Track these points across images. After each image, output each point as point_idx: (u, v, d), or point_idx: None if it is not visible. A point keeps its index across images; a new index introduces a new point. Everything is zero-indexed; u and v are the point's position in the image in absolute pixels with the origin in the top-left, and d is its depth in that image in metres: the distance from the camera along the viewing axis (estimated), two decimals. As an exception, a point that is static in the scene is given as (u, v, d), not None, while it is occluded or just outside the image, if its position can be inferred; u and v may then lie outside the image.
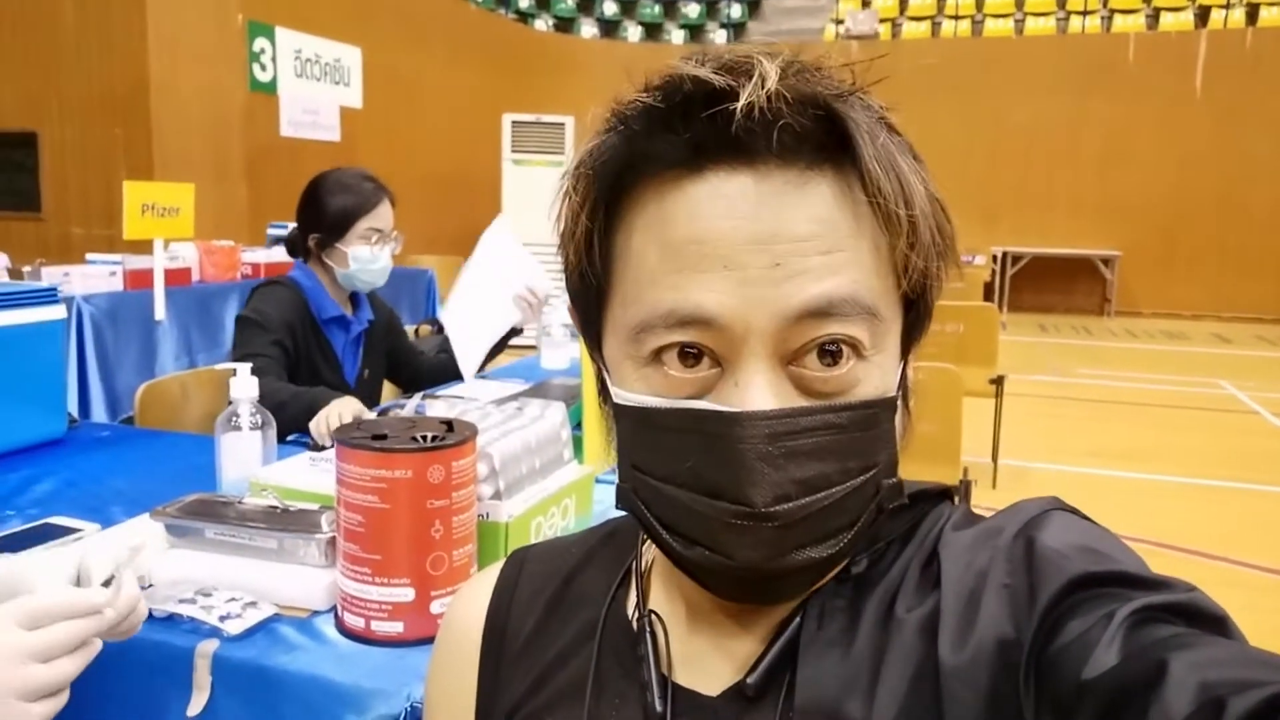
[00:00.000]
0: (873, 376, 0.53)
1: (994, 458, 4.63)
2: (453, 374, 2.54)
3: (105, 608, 0.80)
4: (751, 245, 0.50)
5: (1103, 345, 9.81)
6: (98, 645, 0.80)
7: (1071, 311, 12.19)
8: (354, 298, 2.42)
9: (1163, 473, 5.02)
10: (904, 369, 0.56)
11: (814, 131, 0.51)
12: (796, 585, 0.54)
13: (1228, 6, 12.54)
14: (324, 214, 2.25)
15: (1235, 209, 11.44)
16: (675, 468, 0.52)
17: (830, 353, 0.51)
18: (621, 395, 0.55)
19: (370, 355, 2.45)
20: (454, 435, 1.08)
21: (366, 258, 2.25)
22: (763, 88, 0.48)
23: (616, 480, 0.59)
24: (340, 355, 2.37)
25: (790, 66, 0.50)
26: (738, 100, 0.48)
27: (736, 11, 14.45)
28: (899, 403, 0.56)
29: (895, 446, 0.55)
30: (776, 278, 0.50)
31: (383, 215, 2.29)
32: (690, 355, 0.52)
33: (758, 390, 0.50)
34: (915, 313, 0.57)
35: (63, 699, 0.75)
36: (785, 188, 0.51)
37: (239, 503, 1.25)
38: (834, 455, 0.51)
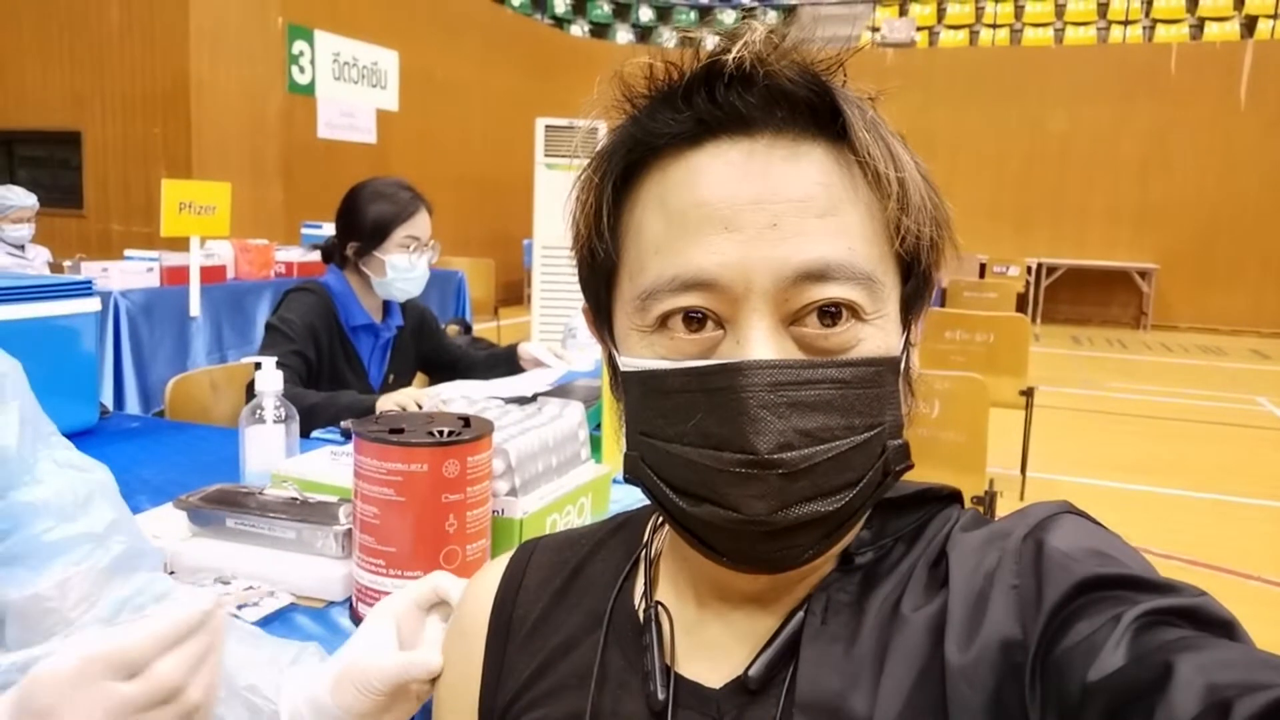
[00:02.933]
0: (874, 337, 0.54)
1: (1023, 469, 4.58)
2: (512, 366, 2.50)
3: (212, 610, 0.64)
4: (749, 205, 0.52)
5: (1137, 359, 9.67)
6: (219, 645, 0.66)
7: (1107, 324, 12.04)
8: (385, 304, 2.43)
9: (1195, 489, 4.94)
10: (907, 340, 0.57)
11: (806, 103, 0.53)
12: (803, 546, 0.53)
13: (1275, 16, 12.33)
14: (362, 222, 2.27)
15: (1278, 222, 11.23)
16: (681, 427, 0.53)
17: (830, 314, 0.53)
18: (628, 363, 0.57)
19: (397, 360, 2.47)
20: (470, 431, 1.09)
21: (404, 266, 2.27)
22: (752, 42, 0.52)
23: (624, 450, 0.59)
24: (366, 361, 2.38)
25: (778, 32, 0.54)
26: (734, 65, 0.52)
27: (772, 19, 14.42)
28: (903, 368, 0.56)
29: (901, 410, 0.55)
30: (774, 239, 0.52)
31: (420, 224, 2.30)
32: (694, 320, 0.54)
33: (758, 343, 0.52)
34: (915, 282, 0.57)
35: None
36: (781, 153, 0.53)
37: (260, 493, 1.27)
38: (838, 410, 0.52)
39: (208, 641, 0.64)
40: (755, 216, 0.52)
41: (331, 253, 2.38)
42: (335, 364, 2.29)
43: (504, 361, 2.53)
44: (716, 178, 0.53)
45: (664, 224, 0.54)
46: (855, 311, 0.53)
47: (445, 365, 2.60)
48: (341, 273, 2.34)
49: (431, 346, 2.58)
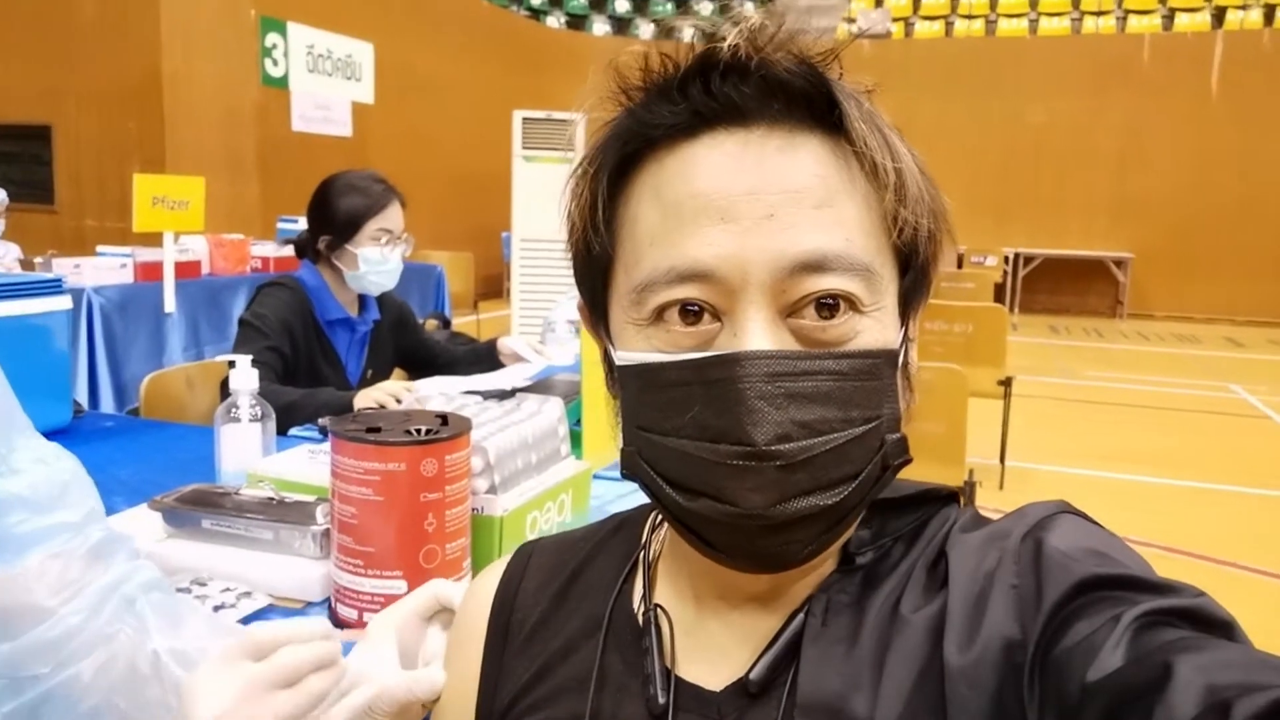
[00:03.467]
0: (872, 330, 0.53)
1: (1001, 459, 4.62)
2: (492, 362, 2.49)
3: (330, 635, 0.71)
4: (746, 196, 0.52)
5: (1114, 348, 9.76)
6: (341, 665, 0.71)
7: (1084, 314, 12.14)
8: (361, 298, 2.40)
9: (1171, 476, 4.99)
10: (906, 334, 0.57)
11: (802, 94, 0.53)
12: (802, 542, 0.53)
13: (1244, 7, 12.45)
14: (334, 215, 2.25)
15: (1250, 211, 11.36)
16: (679, 420, 0.53)
17: (828, 306, 0.52)
18: (624, 358, 0.56)
19: (375, 355, 2.44)
20: (448, 429, 1.08)
21: (376, 259, 2.24)
22: (746, 31, 0.52)
23: (621, 445, 0.58)
24: (343, 356, 2.36)
25: (772, 23, 0.53)
26: (730, 56, 0.52)
27: (750, 10, 14.42)
28: (901, 362, 0.56)
29: (899, 403, 0.55)
30: (771, 229, 0.51)
31: (392, 216, 2.28)
32: (691, 312, 0.53)
33: (755, 335, 0.51)
34: (913, 274, 0.57)
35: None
36: (777, 144, 0.53)
37: (236, 493, 1.26)
38: (835, 402, 0.51)
39: (327, 650, 0.68)
40: (751, 207, 0.51)
41: (304, 247, 2.35)
42: (312, 360, 2.27)
43: (485, 357, 2.51)
44: (712, 169, 0.53)
45: (660, 216, 0.54)
46: (853, 303, 0.52)
47: (425, 361, 2.58)
48: (315, 267, 2.32)
49: (411, 342, 2.56)
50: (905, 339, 0.56)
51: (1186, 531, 4.10)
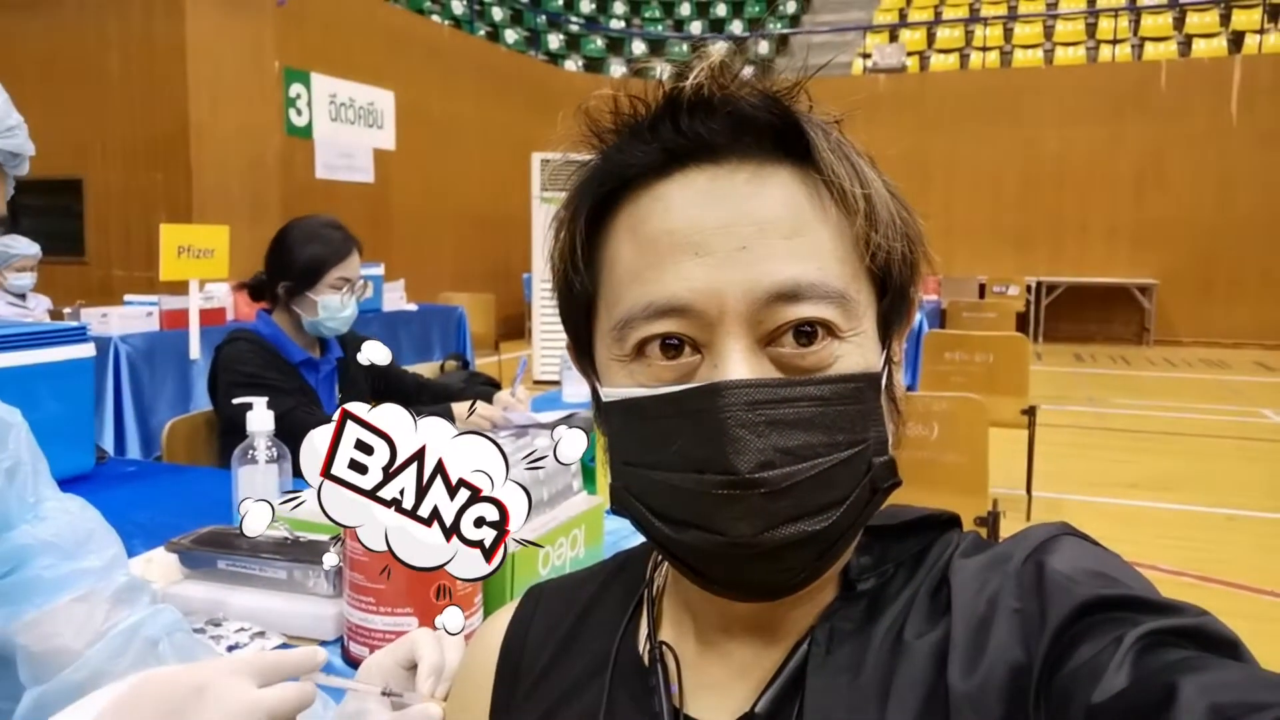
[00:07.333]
0: (852, 355, 0.54)
1: (1028, 489, 4.56)
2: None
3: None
4: (718, 230, 0.53)
5: (1141, 375, 9.65)
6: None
7: (1110, 341, 12.03)
8: (321, 339, 2.42)
9: (1202, 504, 4.90)
10: (888, 357, 0.57)
11: (770, 128, 0.54)
12: (794, 569, 0.53)
13: (1262, 31, 12.44)
14: (294, 263, 2.27)
15: (1276, 234, 11.25)
16: (663, 453, 0.53)
17: (806, 333, 0.53)
18: (609, 394, 0.57)
19: (348, 391, 2.44)
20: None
21: (335, 306, 2.27)
22: (709, 69, 0.53)
23: (610, 481, 0.59)
24: (316, 394, 2.38)
25: (736, 57, 0.55)
26: (694, 94, 0.53)
27: (764, 48, 14.60)
28: (885, 385, 0.56)
29: (885, 426, 0.55)
30: (745, 261, 0.52)
31: (352, 265, 2.30)
32: (671, 346, 0.54)
33: (735, 364, 0.52)
34: (890, 297, 0.57)
35: None
36: (748, 178, 0.54)
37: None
38: (819, 427, 0.51)
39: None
40: (724, 241, 0.52)
41: (261, 290, 2.37)
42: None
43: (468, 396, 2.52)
44: (685, 205, 0.54)
45: (637, 253, 0.55)
46: (831, 329, 0.53)
47: (406, 398, 2.56)
48: (270, 315, 2.33)
49: (386, 381, 2.55)
50: (887, 361, 0.57)
51: (1221, 560, 4.02)
